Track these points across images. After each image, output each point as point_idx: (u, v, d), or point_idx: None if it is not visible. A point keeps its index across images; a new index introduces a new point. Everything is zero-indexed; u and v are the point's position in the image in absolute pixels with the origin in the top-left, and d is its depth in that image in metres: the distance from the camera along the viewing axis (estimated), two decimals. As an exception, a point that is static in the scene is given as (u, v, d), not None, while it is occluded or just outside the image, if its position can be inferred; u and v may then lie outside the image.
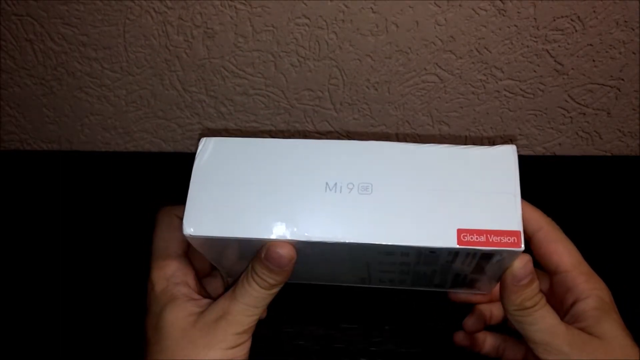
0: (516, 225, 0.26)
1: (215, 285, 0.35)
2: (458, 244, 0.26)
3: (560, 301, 0.32)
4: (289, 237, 0.27)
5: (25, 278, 0.45)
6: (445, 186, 0.27)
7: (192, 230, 0.27)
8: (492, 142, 0.52)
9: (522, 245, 0.26)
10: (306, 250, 0.28)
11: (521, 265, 0.28)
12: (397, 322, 0.41)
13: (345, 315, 0.42)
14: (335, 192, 0.27)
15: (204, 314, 0.29)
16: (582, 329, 0.29)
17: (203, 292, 0.33)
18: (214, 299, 0.32)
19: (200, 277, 0.33)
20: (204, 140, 0.29)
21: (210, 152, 0.29)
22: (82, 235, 0.47)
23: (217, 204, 0.28)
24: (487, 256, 0.27)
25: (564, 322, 0.29)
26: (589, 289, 0.31)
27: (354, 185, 0.27)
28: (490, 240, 0.26)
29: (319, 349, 0.40)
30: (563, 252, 0.32)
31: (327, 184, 0.28)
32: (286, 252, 0.28)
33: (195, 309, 0.30)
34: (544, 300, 0.29)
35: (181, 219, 0.31)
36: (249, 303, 0.29)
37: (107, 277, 0.44)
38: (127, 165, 0.53)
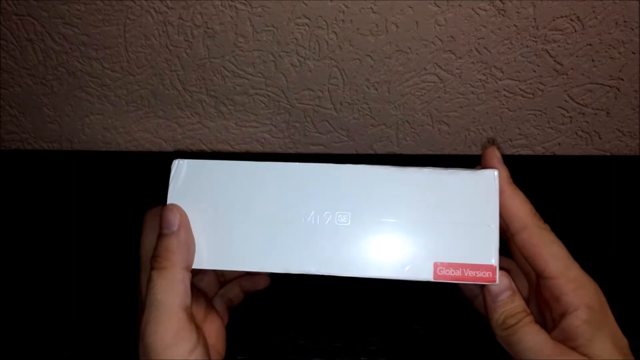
0: (492, 259, 0.27)
1: (208, 279, 0.34)
2: (434, 278, 0.27)
3: (549, 307, 0.30)
4: (264, 269, 0.27)
5: (25, 278, 0.45)
6: (424, 216, 0.27)
7: None
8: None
9: (497, 280, 0.27)
10: None
11: (501, 277, 0.28)
12: (398, 321, 0.41)
13: (346, 314, 0.42)
14: (312, 222, 0.27)
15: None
16: (575, 349, 0.28)
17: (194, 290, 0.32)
18: (209, 296, 0.32)
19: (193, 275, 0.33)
20: (176, 162, 0.29)
21: (185, 176, 0.28)
22: (83, 234, 0.47)
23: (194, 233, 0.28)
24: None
25: (551, 340, 0.28)
26: (577, 298, 0.28)
27: (330, 214, 0.27)
28: (466, 274, 0.27)
29: (319, 348, 0.40)
30: (548, 257, 0.29)
31: (304, 214, 0.27)
32: (171, 206, 0.27)
33: None
34: (529, 318, 0.28)
35: None
36: (157, 302, 0.26)
37: (108, 277, 0.44)
38: (128, 164, 0.53)
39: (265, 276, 0.35)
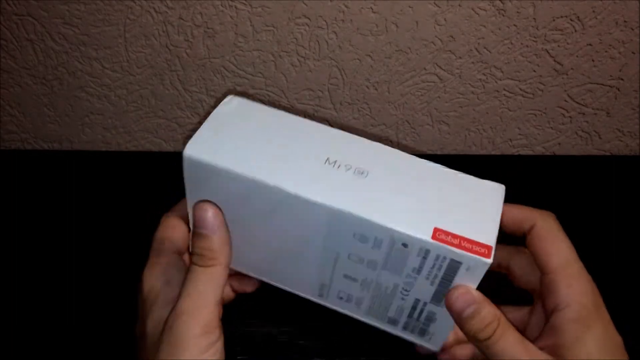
0: (490, 241, 0.27)
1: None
2: (432, 238, 0.27)
3: (544, 301, 0.29)
4: (276, 184, 0.28)
5: (25, 277, 0.45)
6: (434, 192, 0.28)
7: (190, 152, 0.28)
8: (491, 141, 0.52)
9: (492, 258, 0.26)
10: (283, 223, 0.29)
11: (456, 295, 0.27)
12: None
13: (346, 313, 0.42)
14: (333, 167, 0.29)
15: (165, 322, 0.28)
16: (560, 347, 0.27)
17: None
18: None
19: None
20: (230, 96, 0.31)
21: (232, 106, 0.31)
22: (83, 234, 0.47)
23: (223, 143, 0.29)
24: (453, 269, 0.27)
25: (531, 351, 0.27)
26: (570, 294, 0.28)
27: (351, 167, 0.29)
28: (462, 245, 0.27)
29: (319, 347, 0.40)
30: (551, 252, 0.29)
31: (328, 159, 0.29)
32: (205, 204, 0.28)
33: (166, 314, 0.28)
34: (500, 330, 0.27)
35: (179, 217, 0.31)
36: (197, 292, 0.27)
37: (108, 277, 0.44)
38: (128, 164, 0.53)
39: (253, 281, 0.35)
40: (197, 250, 0.28)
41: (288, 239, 0.30)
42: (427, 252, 0.27)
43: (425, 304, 0.30)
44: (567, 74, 0.47)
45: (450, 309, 0.28)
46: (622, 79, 0.47)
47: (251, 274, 0.34)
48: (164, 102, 0.50)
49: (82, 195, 0.50)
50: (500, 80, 0.47)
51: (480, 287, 0.28)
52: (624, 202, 0.49)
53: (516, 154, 0.53)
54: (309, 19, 0.44)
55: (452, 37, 0.44)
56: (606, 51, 0.45)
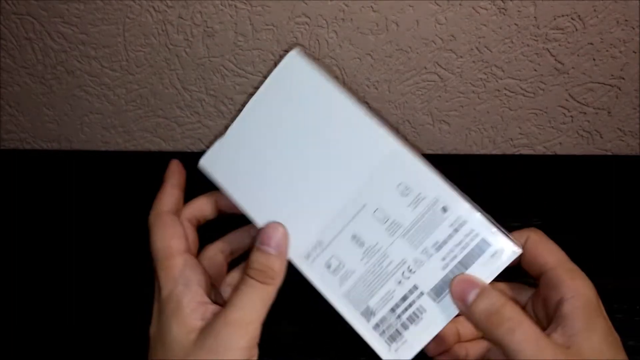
0: (519, 246, 0.28)
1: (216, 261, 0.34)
2: (476, 211, 0.28)
3: (545, 301, 0.30)
4: (359, 107, 0.30)
5: (25, 277, 0.45)
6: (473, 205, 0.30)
7: (297, 52, 0.31)
8: (492, 141, 0.52)
9: (520, 249, 0.28)
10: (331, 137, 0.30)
11: (459, 278, 0.27)
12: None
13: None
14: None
15: (205, 329, 0.28)
16: (571, 337, 0.27)
17: (215, 288, 0.32)
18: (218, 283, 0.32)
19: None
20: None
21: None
22: (83, 234, 0.47)
23: (319, 67, 0.31)
24: (478, 251, 0.28)
25: (555, 345, 0.26)
26: (574, 287, 0.28)
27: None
28: (500, 229, 0.27)
29: (319, 347, 0.40)
30: (548, 251, 0.30)
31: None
32: (278, 224, 0.29)
33: (198, 322, 0.28)
34: (517, 318, 0.26)
35: (170, 212, 0.32)
36: (250, 306, 0.28)
37: (108, 277, 0.44)
38: (127, 164, 0.53)
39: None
40: (257, 265, 0.28)
41: (331, 167, 0.30)
42: (463, 223, 0.28)
43: (420, 294, 0.29)
44: (568, 73, 0.47)
45: (453, 293, 0.27)
46: (623, 78, 0.47)
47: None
48: (163, 102, 0.50)
49: (81, 195, 0.50)
50: (501, 79, 0.47)
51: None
52: (625, 202, 0.49)
53: (517, 153, 0.53)
54: (309, 18, 0.43)
55: (452, 36, 0.44)
56: (607, 50, 0.45)
